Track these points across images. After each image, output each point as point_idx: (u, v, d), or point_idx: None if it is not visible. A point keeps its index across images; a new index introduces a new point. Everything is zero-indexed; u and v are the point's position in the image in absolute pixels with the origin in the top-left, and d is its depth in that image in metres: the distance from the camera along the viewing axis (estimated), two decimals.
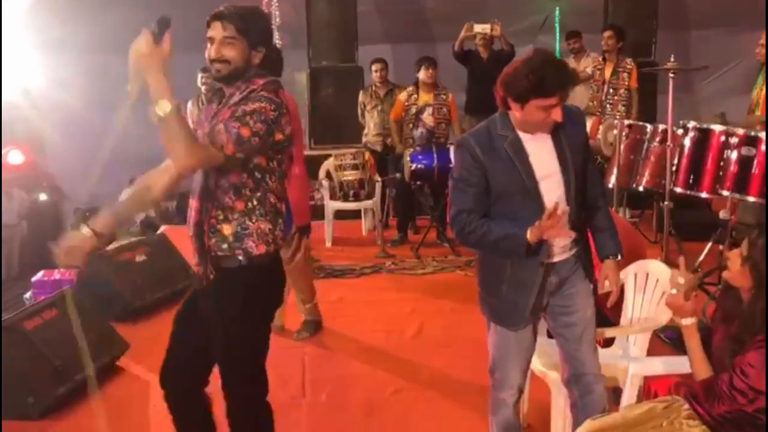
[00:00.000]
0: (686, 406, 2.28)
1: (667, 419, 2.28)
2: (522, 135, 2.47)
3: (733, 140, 3.83)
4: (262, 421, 2.52)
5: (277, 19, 8.92)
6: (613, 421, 2.34)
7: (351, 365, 4.17)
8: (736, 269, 2.23)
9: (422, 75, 6.39)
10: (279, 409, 3.54)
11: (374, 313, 4.70)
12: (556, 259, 2.54)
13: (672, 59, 4.11)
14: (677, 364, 2.46)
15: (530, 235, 2.37)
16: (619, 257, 2.63)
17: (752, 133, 3.84)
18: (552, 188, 2.47)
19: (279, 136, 2.27)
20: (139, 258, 5.10)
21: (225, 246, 2.31)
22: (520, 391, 2.71)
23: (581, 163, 2.54)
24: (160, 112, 2.07)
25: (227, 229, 2.30)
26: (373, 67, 6.95)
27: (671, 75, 4.06)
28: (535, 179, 2.45)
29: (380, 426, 3.46)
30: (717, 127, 3.92)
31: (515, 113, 2.43)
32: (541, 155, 2.47)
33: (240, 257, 2.32)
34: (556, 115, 2.39)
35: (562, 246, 2.54)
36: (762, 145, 3.73)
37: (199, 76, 6.87)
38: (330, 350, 4.35)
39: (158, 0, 3.60)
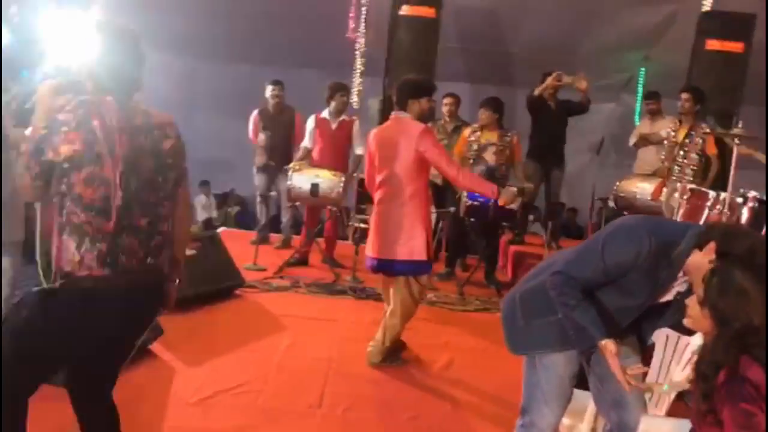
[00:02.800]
0: None
1: None
2: (683, 280, 2.38)
3: None
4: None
5: (362, 46, 9.18)
6: None
7: (373, 385, 4.16)
8: (696, 314, 2.16)
9: (480, 115, 6.44)
10: (294, 416, 3.65)
11: (408, 340, 4.68)
12: None
13: (740, 126, 4.02)
14: (685, 428, 2.38)
15: (604, 344, 2.34)
16: None
17: None
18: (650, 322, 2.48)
19: (50, 155, 2.20)
20: (189, 252, 5.24)
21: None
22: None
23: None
24: None
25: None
26: (444, 101, 7.02)
27: (736, 143, 3.95)
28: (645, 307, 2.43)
29: None
30: None
31: (701, 258, 2.23)
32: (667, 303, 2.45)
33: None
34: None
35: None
36: None
37: (269, 87, 7.15)
38: (355, 367, 4.36)
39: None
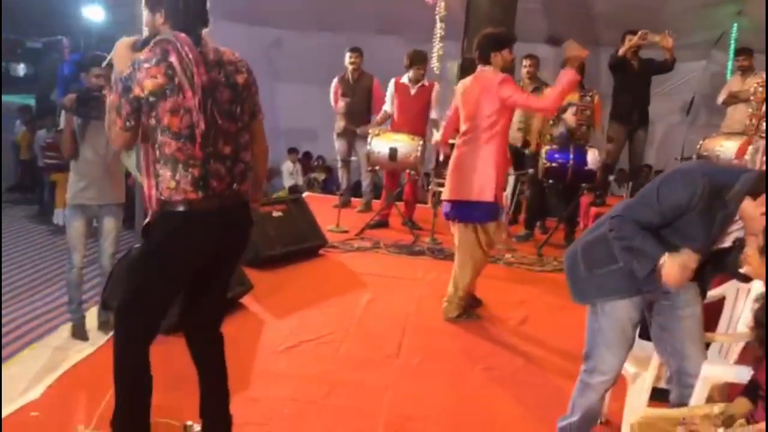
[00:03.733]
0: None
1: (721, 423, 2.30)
2: (738, 215, 2.41)
3: None
4: (118, 363, 2.57)
5: (442, 11, 9.21)
6: (669, 414, 2.39)
7: (448, 338, 4.35)
8: (755, 262, 2.19)
9: None
10: (372, 365, 3.88)
11: (484, 297, 4.82)
12: None
13: None
14: (746, 374, 2.45)
15: (667, 258, 2.38)
16: None
17: None
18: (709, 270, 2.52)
19: (137, 91, 2.40)
20: (276, 214, 5.56)
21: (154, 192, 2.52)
22: (613, 381, 2.75)
23: None
24: None
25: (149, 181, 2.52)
26: (524, 63, 7.01)
27: None
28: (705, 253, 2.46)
29: (461, 396, 3.63)
30: None
31: (754, 208, 2.32)
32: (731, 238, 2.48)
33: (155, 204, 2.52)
34: None
35: None
36: None
37: (347, 55, 7.38)
38: (432, 322, 4.54)
39: None
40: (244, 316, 4.39)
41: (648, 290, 2.57)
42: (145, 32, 2.57)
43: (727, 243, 2.46)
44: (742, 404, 2.33)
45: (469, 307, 4.64)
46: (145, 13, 2.57)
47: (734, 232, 2.43)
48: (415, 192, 7.03)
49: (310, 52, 10.67)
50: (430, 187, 7.44)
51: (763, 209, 2.24)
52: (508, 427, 3.38)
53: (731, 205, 2.35)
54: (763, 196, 2.26)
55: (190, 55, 2.42)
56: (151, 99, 2.41)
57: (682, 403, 2.60)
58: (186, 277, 2.60)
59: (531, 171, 6.54)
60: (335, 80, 7.53)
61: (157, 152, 2.47)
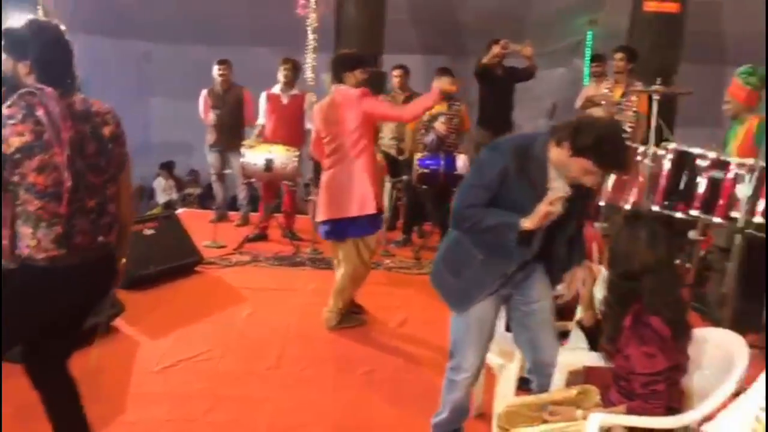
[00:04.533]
0: (598, 395, 2.49)
1: (579, 404, 2.48)
2: (551, 169, 2.57)
3: (705, 163, 3.97)
4: None
5: (314, 22, 9.28)
6: (531, 401, 2.54)
7: (329, 346, 4.40)
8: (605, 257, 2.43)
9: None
10: (254, 378, 3.86)
11: (364, 303, 4.89)
12: (527, 257, 2.71)
13: (658, 83, 4.27)
14: (598, 358, 2.65)
15: (528, 222, 2.52)
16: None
17: (722, 157, 3.98)
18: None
19: (3, 148, 2.28)
20: (148, 232, 5.40)
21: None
22: (475, 377, 2.89)
23: (581, 209, 2.74)
24: None
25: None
26: (394, 73, 7.20)
27: (655, 98, 4.21)
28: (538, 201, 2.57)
29: (342, 401, 3.68)
30: (695, 150, 4.06)
31: (560, 154, 2.51)
32: (555, 182, 2.60)
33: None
34: (590, 181, 2.52)
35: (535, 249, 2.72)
36: (731, 169, 3.87)
37: (215, 67, 7.37)
38: (313, 331, 4.57)
39: None
40: (116, 340, 4.24)
41: (503, 284, 2.74)
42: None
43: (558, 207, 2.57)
44: (593, 390, 2.54)
45: (350, 314, 4.71)
46: (6, 59, 2.45)
47: (557, 190, 2.57)
48: (294, 203, 7.05)
49: (182, 65, 10.46)
50: (310, 197, 7.48)
51: (570, 152, 2.46)
52: (387, 427, 3.46)
53: (540, 159, 2.54)
54: (567, 142, 2.46)
55: (57, 110, 2.33)
56: (17, 156, 2.30)
57: (543, 390, 2.77)
58: (38, 325, 2.53)
59: (406, 178, 6.71)
60: (204, 92, 7.43)
61: (18, 209, 2.36)
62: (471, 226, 2.64)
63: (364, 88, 4.44)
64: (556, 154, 2.52)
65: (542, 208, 2.50)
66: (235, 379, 3.83)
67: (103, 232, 2.53)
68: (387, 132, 7.24)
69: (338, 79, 4.47)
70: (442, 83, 4.56)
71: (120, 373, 3.79)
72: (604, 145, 2.43)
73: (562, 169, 2.53)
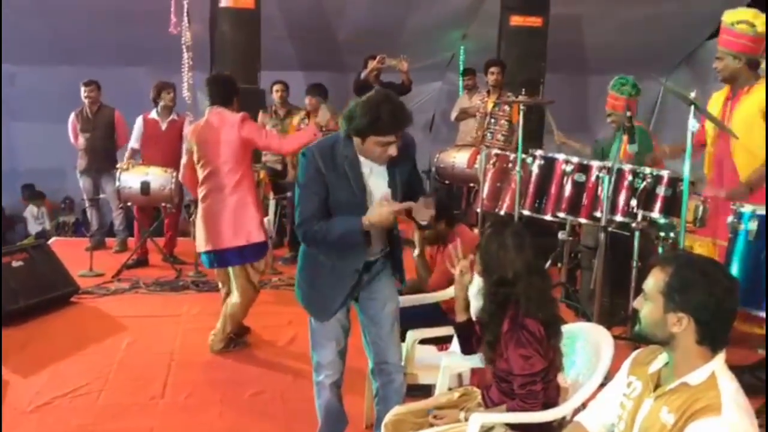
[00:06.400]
0: (480, 395, 2.58)
1: (462, 406, 2.56)
2: (361, 158, 2.69)
3: (569, 168, 4.22)
4: None
5: (188, 40, 9.09)
6: (416, 407, 2.59)
7: (216, 370, 4.30)
8: (477, 266, 2.56)
9: (307, 101, 6.73)
10: (136, 409, 3.71)
11: (252, 324, 4.82)
12: (371, 258, 2.78)
13: (523, 93, 4.51)
14: (479, 360, 2.74)
15: (364, 219, 2.61)
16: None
17: (585, 162, 4.24)
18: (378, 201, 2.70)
19: None
20: (16, 264, 5.10)
21: None
22: (337, 374, 2.95)
23: (408, 179, 2.81)
24: None
25: None
26: (275, 88, 7.20)
27: (522, 108, 4.45)
28: (366, 194, 2.70)
29: (230, 424, 3.60)
30: (559, 156, 4.30)
31: (357, 144, 2.65)
32: (377, 179, 2.72)
33: None
34: (393, 150, 2.62)
35: (377, 249, 2.83)
36: (593, 173, 4.14)
37: (82, 89, 7.15)
38: (198, 357, 4.46)
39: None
40: None
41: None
42: None
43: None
44: (475, 391, 2.63)
45: (236, 336, 4.62)
46: None
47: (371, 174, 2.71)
48: (174, 225, 6.85)
49: (50, 88, 9.94)
50: (192, 218, 7.29)
51: (360, 140, 2.61)
52: None
53: (347, 151, 2.67)
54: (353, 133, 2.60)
55: None
56: None
57: (385, 394, 2.90)
58: None
59: (290, 194, 6.69)
60: (72, 115, 7.14)
61: None
62: (320, 242, 2.72)
63: (244, 113, 4.36)
64: (357, 145, 2.65)
65: (383, 210, 2.61)
66: (117, 413, 3.67)
67: None
68: None
69: (228, 101, 4.36)
70: (320, 118, 4.52)
71: None
72: (377, 119, 2.54)
73: (369, 156, 2.65)
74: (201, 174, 4.37)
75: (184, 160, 4.68)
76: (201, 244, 4.41)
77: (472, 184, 6.81)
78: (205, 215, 4.38)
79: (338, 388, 2.98)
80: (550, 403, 2.48)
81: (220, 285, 4.70)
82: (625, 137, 4.31)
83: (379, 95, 2.66)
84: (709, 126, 3.94)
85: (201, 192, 4.40)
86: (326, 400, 2.95)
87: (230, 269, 4.45)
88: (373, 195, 2.72)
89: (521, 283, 2.46)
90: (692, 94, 3.37)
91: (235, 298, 4.47)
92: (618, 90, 4.70)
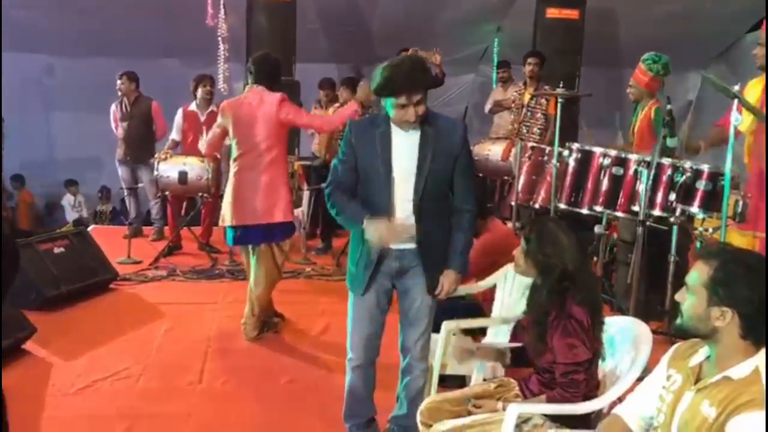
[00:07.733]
0: (516, 386, 2.59)
1: (499, 396, 2.57)
2: (394, 129, 2.75)
3: (607, 161, 4.19)
4: None
5: (225, 32, 9.18)
6: (452, 396, 2.61)
7: (251, 357, 4.36)
8: (521, 263, 2.54)
9: (340, 94, 6.77)
10: (174, 394, 3.78)
11: (285, 312, 4.88)
12: (393, 246, 2.82)
13: (561, 86, 4.47)
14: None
15: (365, 224, 2.71)
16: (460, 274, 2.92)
17: (623, 155, 4.21)
18: (403, 183, 2.75)
19: None
20: (58, 250, 5.22)
21: None
22: (361, 359, 3.00)
23: (444, 170, 2.79)
24: None
25: None
26: (321, 93, 7.34)
27: (560, 101, 4.41)
28: (391, 170, 2.74)
29: (265, 412, 3.65)
30: (597, 149, 4.27)
31: (389, 111, 2.71)
32: (404, 152, 2.75)
33: None
34: (409, 115, 2.65)
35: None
36: (631, 166, 4.10)
37: (117, 81, 7.24)
38: (233, 343, 4.52)
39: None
40: (28, 363, 4.08)
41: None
42: None
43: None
44: (512, 382, 2.63)
45: (270, 323, 4.68)
46: None
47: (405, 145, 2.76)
48: (211, 214, 6.93)
49: (87, 79, 10.11)
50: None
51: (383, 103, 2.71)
52: None
53: (383, 127, 2.76)
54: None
55: None
56: None
57: (409, 389, 2.96)
58: None
59: (323, 185, 6.71)
60: (113, 106, 7.29)
61: None
62: (337, 213, 2.88)
63: (282, 94, 4.40)
64: (389, 112, 2.72)
65: (378, 232, 2.70)
66: (155, 397, 3.75)
67: None
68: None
69: (272, 81, 4.40)
70: (363, 89, 4.55)
71: (32, 397, 3.64)
72: (387, 78, 2.62)
73: (397, 121, 2.72)
74: (236, 151, 4.42)
75: (206, 136, 4.71)
76: (228, 218, 4.44)
77: (506, 177, 6.79)
78: (235, 190, 4.42)
79: (363, 373, 3.02)
80: (589, 395, 2.48)
81: (246, 269, 4.74)
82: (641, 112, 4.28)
83: (400, 57, 2.77)
84: (747, 115, 3.88)
85: (233, 168, 4.45)
86: (350, 382, 3.06)
87: (250, 249, 4.50)
88: (397, 170, 2.76)
89: (581, 272, 2.46)
90: (735, 87, 3.33)
91: (258, 279, 4.50)
92: (648, 66, 4.70)
